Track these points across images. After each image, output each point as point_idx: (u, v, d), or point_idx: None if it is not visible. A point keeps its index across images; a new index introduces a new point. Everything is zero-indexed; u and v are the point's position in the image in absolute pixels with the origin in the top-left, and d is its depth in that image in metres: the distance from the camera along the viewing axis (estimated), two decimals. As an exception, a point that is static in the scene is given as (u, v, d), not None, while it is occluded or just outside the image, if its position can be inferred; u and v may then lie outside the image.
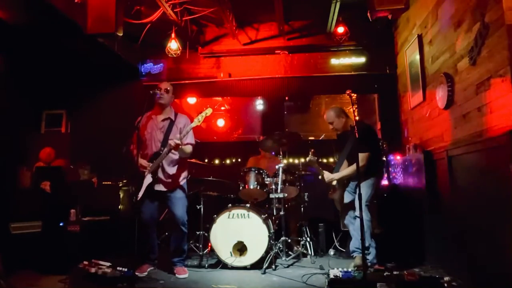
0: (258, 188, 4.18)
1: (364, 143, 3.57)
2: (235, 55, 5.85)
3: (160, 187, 3.57)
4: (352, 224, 3.83)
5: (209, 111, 3.53)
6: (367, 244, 3.55)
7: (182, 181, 3.73)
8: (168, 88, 3.71)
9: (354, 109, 3.25)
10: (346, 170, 3.80)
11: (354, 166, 3.60)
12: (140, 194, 3.47)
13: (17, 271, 3.54)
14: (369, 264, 3.53)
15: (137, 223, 3.00)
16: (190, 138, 3.66)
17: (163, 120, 3.70)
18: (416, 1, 4.30)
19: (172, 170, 3.62)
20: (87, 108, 5.77)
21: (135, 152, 3.39)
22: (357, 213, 3.62)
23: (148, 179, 3.51)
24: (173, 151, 3.50)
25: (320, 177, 4.02)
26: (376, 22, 4.65)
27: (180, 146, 3.43)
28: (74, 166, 5.13)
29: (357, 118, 5.27)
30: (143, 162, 3.52)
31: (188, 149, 3.63)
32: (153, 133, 3.65)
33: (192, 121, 3.53)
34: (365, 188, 3.63)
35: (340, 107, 4.06)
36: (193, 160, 4.78)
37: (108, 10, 3.48)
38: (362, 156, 3.64)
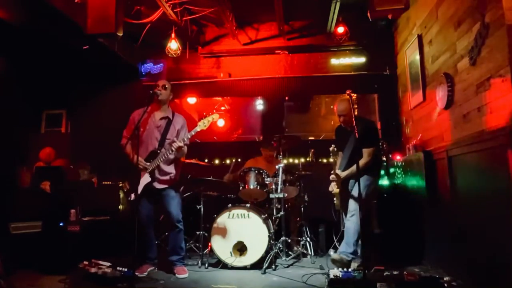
0: (258, 188, 4.18)
1: (369, 138, 3.55)
2: (235, 55, 5.85)
3: (156, 185, 3.59)
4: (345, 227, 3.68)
5: (215, 116, 3.55)
6: (351, 250, 3.49)
7: (176, 179, 3.76)
8: (166, 85, 3.71)
9: (354, 109, 3.23)
10: (353, 167, 3.58)
11: (360, 163, 3.51)
12: (137, 193, 3.47)
13: (17, 271, 3.54)
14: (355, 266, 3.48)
15: (137, 223, 3.01)
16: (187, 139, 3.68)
17: (161, 118, 3.70)
18: (416, 1, 4.30)
19: (168, 169, 3.64)
20: (87, 108, 5.77)
21: (132, 149, 3.39)
22: (349, 214, 3.58)
23: (146, 178, 3.52)
24: (171, 151, 3.50)
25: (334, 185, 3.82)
26: (376, 22, 4.66)
27: (182, 148, 3.45)
28: (74, 166, 5.13)
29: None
30: (141, 161, 3.51)
31: (185, 149, 3.65)
32: (150, 130, 3.65)
33: (190, 118, 3.52)
34: (362, 186, 3.58)
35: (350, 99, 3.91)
36: (193, 161, 4.78)
37: (108, 10, 3.48)
38: (367, 152, 3.61)
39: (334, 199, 3.83)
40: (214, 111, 3.57)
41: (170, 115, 3.73)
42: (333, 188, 3.79)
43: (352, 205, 3.56)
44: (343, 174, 3.71)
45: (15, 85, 5.49)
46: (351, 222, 3.51)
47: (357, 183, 3.48)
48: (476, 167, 2.98)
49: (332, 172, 3.75)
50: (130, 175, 3.53)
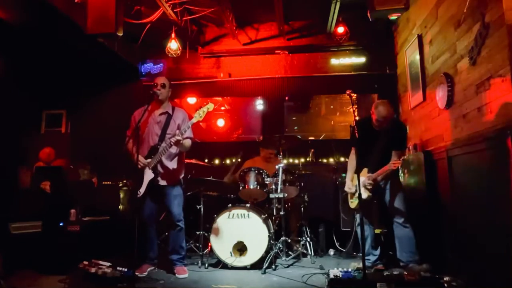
0: (258, 188, 4.17)
1: (401, 140, 3.53)
2: (235, 55, 5.86)
3: (160, 182, 3.58)
4: (398, 231, 3.57)
5: (210, 106, 3.52)
6: (417, 257, 3.45)
7: (180, 177, 3.75)
8: (164, 83, 3.69)
9: (354, 109, 3.22)
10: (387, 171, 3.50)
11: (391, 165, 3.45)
12: (142, 190, 3.47)
13: (17, 271, 3.54)
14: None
15: (137, 223, 3.00)
16: (189, 132, 3.67)
17: (161, 114, 3.70)
18: (416, 1, 4.30)
19: (171, 164, 3.63)
20: (87, 108, 5.78)
21: (133, 148, 3.39)
22: (401, 224, 3.49)
23: (149, 175, 3.51)
24: (171, 145, 3.50)
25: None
26: (376, 22, 4.65)
27: (181, 142, 3.43)
28: (74, 166, 5.13)
29: (357, 118, 5.23)
30: (141, 159, 3.51)
31: (188, 143, 3.64)
32: (150, 127, 3.65)
33: (190, 115, 3.53)
34: (400, 200, 3.54)
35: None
36: (193, 160, 4.78)
37: (108, 10, 3.48)
38: (397, 154, 3.50)
39: (352, 200, 3.71)
40: (209, 101, 3.50)
41: (170, 110, 3.72)
42: (364, 192, 3.53)
43: (401, 213, 3.50)
44: (378, 178, 3.55)
45: (15, 85, 5.49)
46: (408, 230, 3.47)
47: (388, 189, 3.51)
48: (476, 167, 2.98)
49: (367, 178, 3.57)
50: (134, 173, 3.52)
